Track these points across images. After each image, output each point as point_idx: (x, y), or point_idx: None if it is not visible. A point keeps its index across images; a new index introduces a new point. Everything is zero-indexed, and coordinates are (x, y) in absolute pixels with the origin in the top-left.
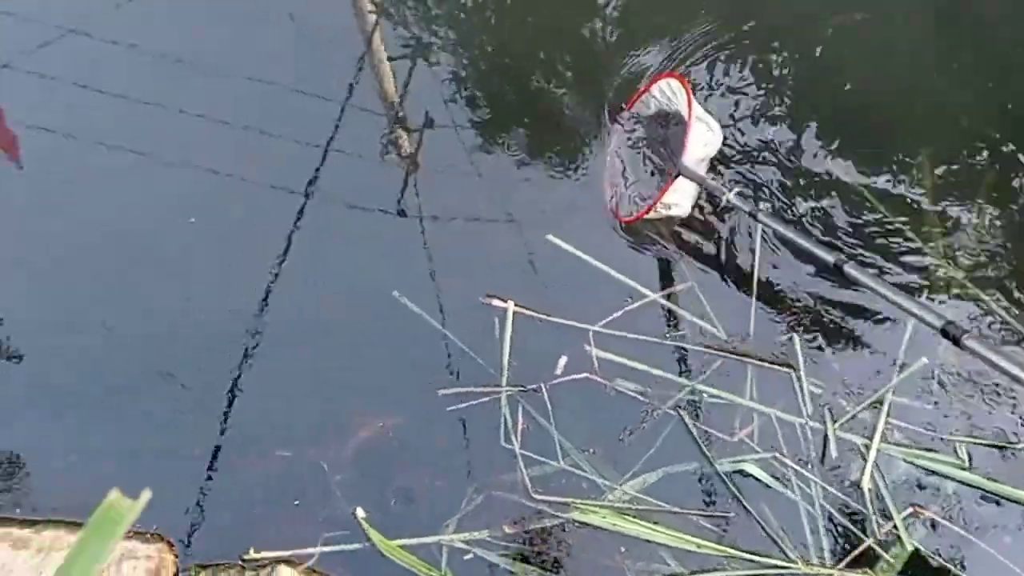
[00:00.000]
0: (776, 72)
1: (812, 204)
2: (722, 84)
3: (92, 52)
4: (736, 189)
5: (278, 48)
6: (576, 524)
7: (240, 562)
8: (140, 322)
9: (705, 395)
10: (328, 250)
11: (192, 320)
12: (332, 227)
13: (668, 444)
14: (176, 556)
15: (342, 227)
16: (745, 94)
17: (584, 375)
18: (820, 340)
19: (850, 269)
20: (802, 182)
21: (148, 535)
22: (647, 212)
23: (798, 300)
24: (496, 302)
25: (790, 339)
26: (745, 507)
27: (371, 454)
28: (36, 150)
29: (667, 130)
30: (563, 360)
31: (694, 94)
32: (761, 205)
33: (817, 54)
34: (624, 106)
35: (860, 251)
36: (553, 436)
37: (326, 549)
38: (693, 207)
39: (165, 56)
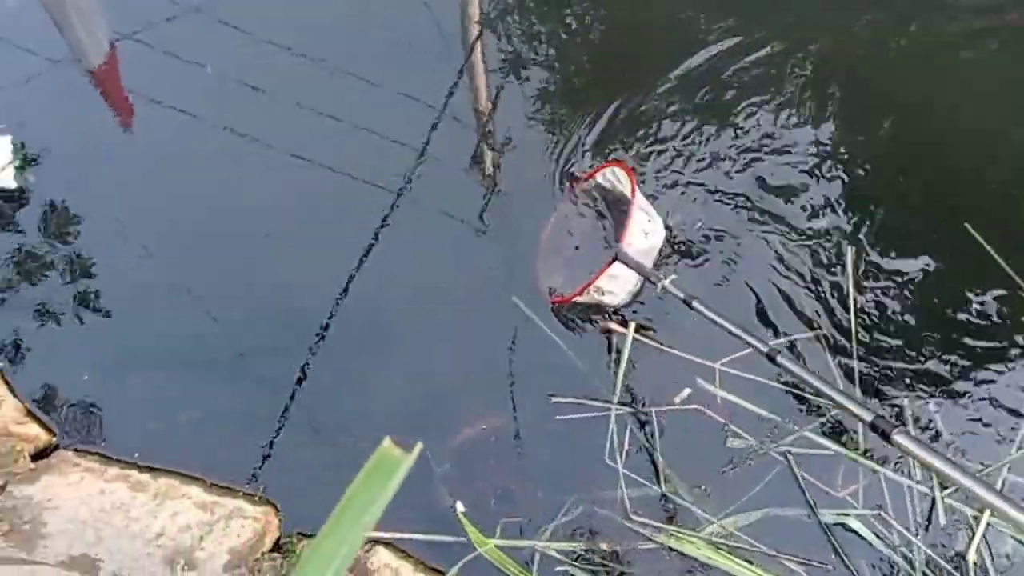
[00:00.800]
0: None
1: None
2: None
3: (212, 34)
4: (672, 277)
5: (387, 51)
6: (669, 551)
7: None
8: (262, 297)
9: (814, 444)
10: (441, 248)
11: (306, 301)
12: (440, 228)
13: (771, 486)
14: (280, 521)
15: (448, 229)
16: None
17: (695, 407)
18: (936, 402)
19: (782, 360)
20: None
21: (256, 497)
22: (579, 294)
23: (917, 358)
24: (614, 325)
25: (904, 399)
26: (844, 561)
27: (475, 452)
28: (146, 119)
29: (611, 215)
30: (686, 392)
31: (637, 185)
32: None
33: None
34: (573, 182)
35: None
36: (657, 461)
37: (423, 537)
38: (631, 299)
39: (279, 46)
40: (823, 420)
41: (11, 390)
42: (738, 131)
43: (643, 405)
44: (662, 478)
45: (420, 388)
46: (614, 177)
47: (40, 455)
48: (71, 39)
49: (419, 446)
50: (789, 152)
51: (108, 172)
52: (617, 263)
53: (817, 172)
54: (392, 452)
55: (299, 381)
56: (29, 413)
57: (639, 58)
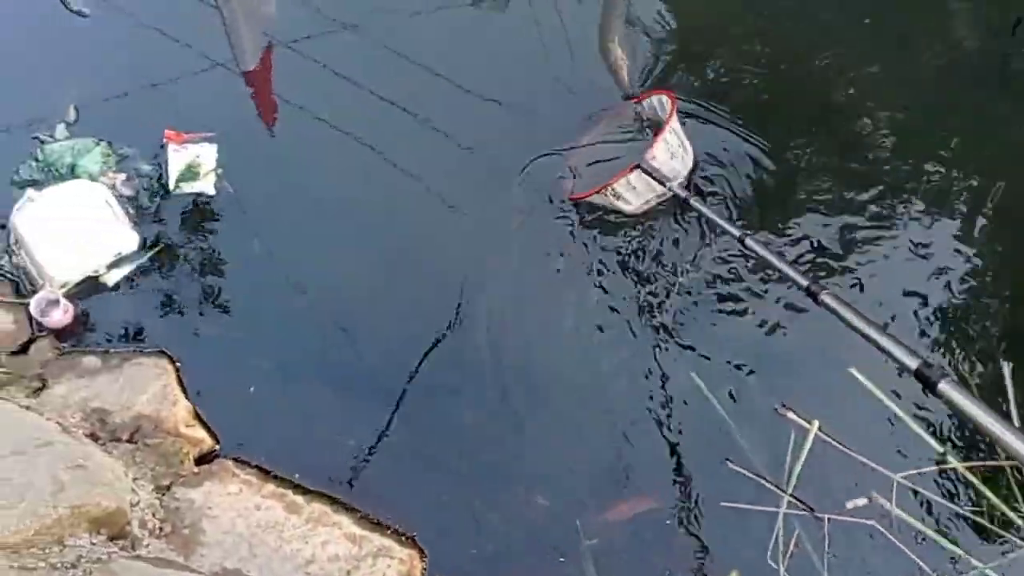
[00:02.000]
0: None
1: None
2: None
3: (356, 50)
4: (679, 181)
5: (513, 75)
6: None
7: None
8: (436, 332)
9: None
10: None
11: (478, 342)
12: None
13: None
14: (425, 568)
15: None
16: None
17: (871, 522)
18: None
19: (827, 299)
20: None
21: (404, 537)
22: (596, 192)
23: None
24: (793, 416)
25: None
26: None
27: (630, 529)
28: (287, 120)
29: (648, 137)
30: (862, 501)
31: (676, 113)
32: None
33: None
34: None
35: None
36: (822, 573)
37: None
38: (642, 209)
39: (415, 64)
40: (1011, 556)
41: (184, 391)
42: None
43: (814, 507)
44: None
45: (581, 451)
46: (659, 104)
47: (203, 459)
48: (235, 43)
49: None
50: None
51: (284, 177)
52: (637, 173)
53: None
54: None
55: (463, 424)
56: (197, 416)
57: None
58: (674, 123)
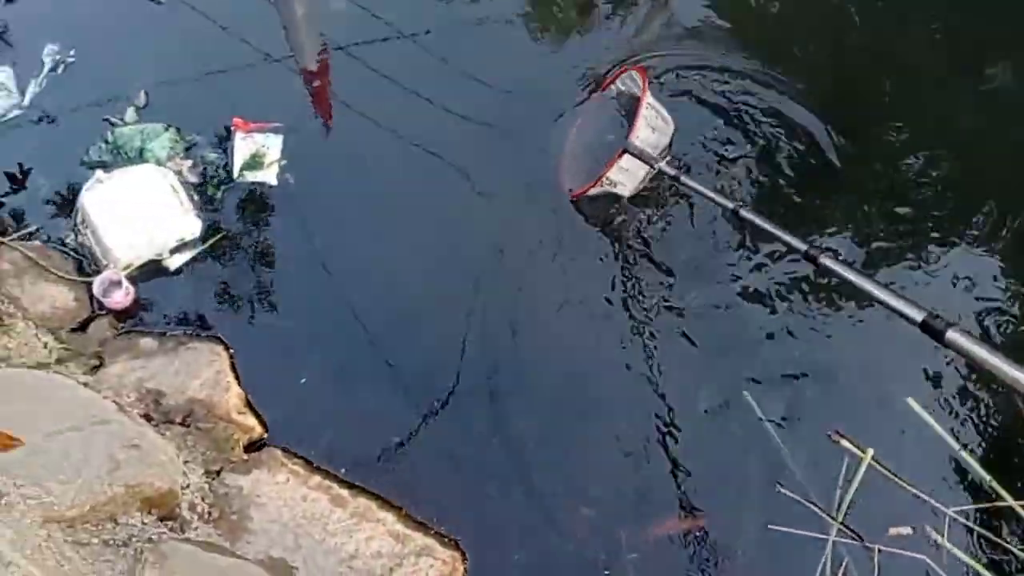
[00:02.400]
0: None
1: None
2: None
3: (409, 56)
4: (667, 158)
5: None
6: None
7: None
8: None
9: None
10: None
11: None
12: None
13: None
14: (466, 570)
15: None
16: None
17: (922, 556)
18: None
19: (826, 260)
20: None
21: (447, 539)
22: (593, 186)
23: None
24: (846, 443)
25: None
26: None
27: (672, 545)
28: (347, 120)
29: (626, 117)
30: (907, 530)
31: (648, 86)
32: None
33: None
34: (595, 90)
35: None
36: None
37: None
38: (637, 190)
39: (464, 73)
40: None
41: (237, 378)
42: None
43: (864, 537)
44: None
45: (628, 464)
46: (631, 81)
47: (251, 447)
48: (294, 42)
49: None
50: None
51: (343, 173)
52: (627, 156)
53: None
54: None
55: (512, 430)
56: (248, 404)
57: None
58: (648, 97)
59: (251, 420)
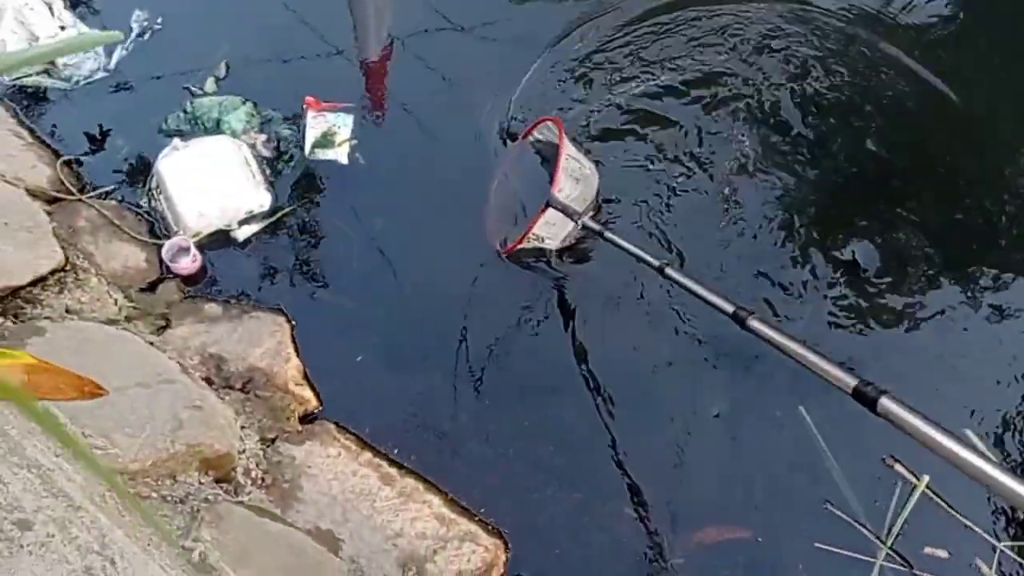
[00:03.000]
0: None
1: None
2: None
3: (456, 44)
4: (591, 213)
5: None
6: None
7: None
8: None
9: None
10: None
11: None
12: None
13: None
14: (508, 558)
15: None
16: None
17: None
18: None
19: (754, 323)
20: None
21: (490, 527)
22: (520, 242)
23: None
24: (900, 468)
25: None
26: None
27: (715, 556)
28: (395, 108)
29: (547, 167)
30: (943, 553)
31: (565, 135)
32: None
33: None
34: (514, 139)
35: None
36: None
37: None
38: (564, 243)
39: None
40: None
41: (296, 350)
42: None
43: (913, 564)
44: None
45: (677, 469)
46: (548, 132)
47: (305, 419)
48: (361, 33)
49: None
50: None
51: (410, 159)
52: (550, 210)
53: None
54: None
55: (562, 426)
56: (306, 376)
57: None
58: (568, 147)
59: (307, 392)
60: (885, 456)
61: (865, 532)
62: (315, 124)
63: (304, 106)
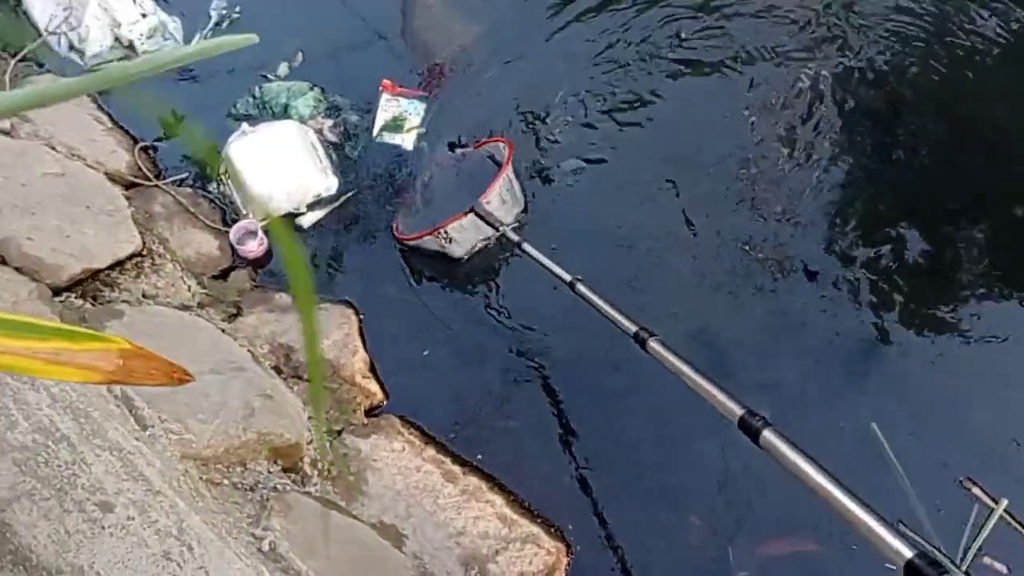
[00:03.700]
0: None
1: None
2: None
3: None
4: (514, 226)
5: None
6: None
7: None
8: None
9: None
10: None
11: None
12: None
13: None
14: (570, 562)
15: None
16: None
17: None
18: None
19: (655, 344)
20: None
21: (553, 528)
22: (427, 235)
23: None
24: (978, 491)
25: None
26: None
27: (782, 568)
28: (481, 100)
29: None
30: (1001, 568)
31: (511, 161)
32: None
33: None
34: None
35: None
36: None
37: None
38: (467, 255)
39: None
40: None
41: (363, 342)
42: None
43: None
44: None
45: (746, 480)
46: (497, 151)
47: (371, 412)
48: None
49: None
50: None
51: None
52: (470, 216)
53: None
54: None
55: (630, 431)
56: (372, 369)
57: None
58: (509, 171)
59: (374, 386)
60: (962, 478)
61: (939, 555)
62: (387, 107)
63: (380, 88)
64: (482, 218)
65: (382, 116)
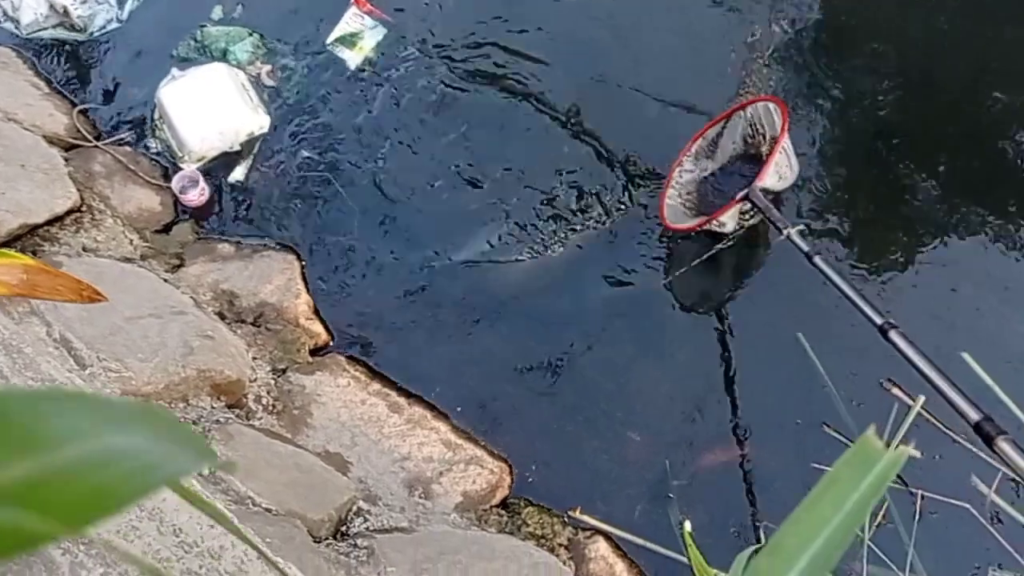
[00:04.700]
0: None
1: None
2: None
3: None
4: (799, 227)
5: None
6: None
7: (565, 516)
8: (566, 270)
9: None
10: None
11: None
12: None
13: None
14: (512, 481)
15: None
16: None
17: (967, 505)
18: None
19: (896, 337)
20: None
21: (495, 453)
22: (698, 227)
23: None
24: (898, 392)
25: None
26: None
27: (716, 476)
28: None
29: (744, 154)
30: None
31: (788, 126)
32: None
33: None
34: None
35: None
36: (908, 547)
37: (644, 543)
38: (736, 228)
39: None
40: None
41: (306, 286)
42: None
43: (908, 482)
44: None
45: (679, 394)
46: (765, 113)
47: (316, 352)
48: None
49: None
50: None
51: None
52: (745, 203)
53: None
54: (873, 445)
55: (568, 354)
56: (316, 312)
57: None
58: (785, 141)
59: (318, 327)
60: (883, 380)
61: None
62: (351, 20)
63: (351, 1)
64: (759, 208)
65: (342, 27)
